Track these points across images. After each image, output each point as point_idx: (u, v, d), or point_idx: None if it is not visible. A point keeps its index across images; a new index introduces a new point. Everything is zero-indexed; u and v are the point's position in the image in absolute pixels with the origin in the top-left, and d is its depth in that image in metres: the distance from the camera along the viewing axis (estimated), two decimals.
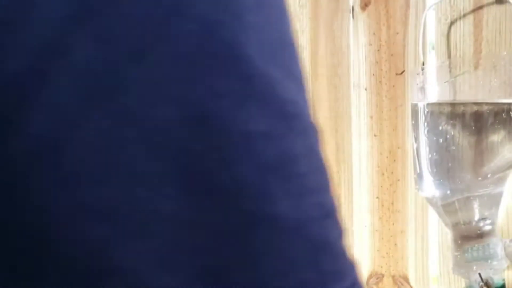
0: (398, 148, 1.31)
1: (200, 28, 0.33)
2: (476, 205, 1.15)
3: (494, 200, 1.16)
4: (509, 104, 1.14)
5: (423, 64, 1.26)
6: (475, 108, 1.15)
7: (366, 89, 1.30)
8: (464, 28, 1.25)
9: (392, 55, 1.30)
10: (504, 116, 1.14)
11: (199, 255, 0.34)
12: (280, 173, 0.35)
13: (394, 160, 1.31)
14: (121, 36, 0.32)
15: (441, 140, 1.15)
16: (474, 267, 1.15)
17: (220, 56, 0.34)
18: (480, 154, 1.14)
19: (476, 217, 1.15)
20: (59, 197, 0.31)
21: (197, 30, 0.33)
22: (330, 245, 0.38)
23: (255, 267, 0.35)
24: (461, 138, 1.15)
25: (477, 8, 1.24)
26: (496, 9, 1.23)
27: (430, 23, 1.30)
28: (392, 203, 1.32)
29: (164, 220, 0.33)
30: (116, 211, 0.32)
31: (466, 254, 1.16)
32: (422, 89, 1.19)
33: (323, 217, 0.38)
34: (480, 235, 1.16)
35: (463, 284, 1.18)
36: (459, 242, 1.16)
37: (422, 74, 1.20)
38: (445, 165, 1.16)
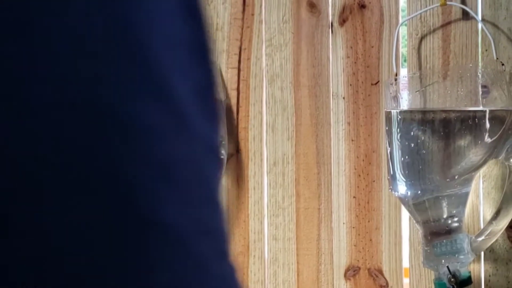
0: (373, 152, 1.31)
1: (88, 6, 0.29)
2: (444, 204, 1.17)
3: (461, 200, 1.18)
4: (474, 111, 1.16)
5: (396, 75, 1.26)
6: (444, 115, 1.17)
7: (344, 98, 1.31)
8: (433, 42, 1.26)
9: (367, 66, 1.31)
10: (470, 123, 1.16)
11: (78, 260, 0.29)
12: (169, 177, 0.31)
13: (370, 163, 1.31)
14: None
15: (412, 145, 1.17)
16: (443, 261, 1.17)
17: (111, 36, 0.30)
18: (448, 157, 1.16)
19: (445, 215, 1.17)
20: None
21: (84, 8, 0.29)
22: (206, 263, 0.33)
23: (139, 275, 0.30)
24: (431, 143, 1.17)
25: (445, 24, 1.26)
26: (462, 25, 1.25)
27: (402, 38, 1.32)
28: (368, 202, 1.32)
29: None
30: None
31: (435, 249, 1.17)
32: (395, 98, 1.19)
33: (203, 233, 0.33)
34: (448, 232, 1.17)
35: (433, 276, 1.20)
36: (429, 237, 1.18)
37: (395, 84, 1.21)
38: (416, 167, 1.17)
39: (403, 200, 1.20)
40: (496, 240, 1.22)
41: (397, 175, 1.18)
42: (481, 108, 1.17)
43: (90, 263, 0.29)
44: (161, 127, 0.30)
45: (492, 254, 1.26)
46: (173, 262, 0.31)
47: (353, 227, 1.32)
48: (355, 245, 1.32)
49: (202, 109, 0.33)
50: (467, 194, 1.18)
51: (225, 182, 1.37)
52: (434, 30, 1.26)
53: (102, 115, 0.29)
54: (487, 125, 1.15)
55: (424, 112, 1.20)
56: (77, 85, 0.28)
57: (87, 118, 0.28)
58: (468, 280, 1.17)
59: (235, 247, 1.38)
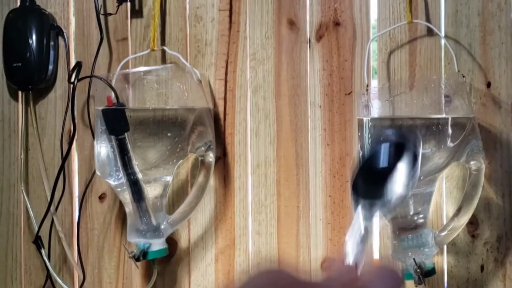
0: (347, 155, 1.31)
1: None
2: (411, 202, 1.18)
3: (426, 198, 1.18)
4: (438, 119, 1.16)
5: (367, 86, 1.27)
6: (410, 122, 1.18)
7: (320, 106, 1.32)
8: (401, 56, 1.27)
9: (342, 78, 1.31)
10: (434, 129, 1.16)
11: None
12: None
13: (344, 165, 1.31)
14: None
15: None
16: (409, 253, 1.17)
17: None
18: None
19: (411, 212, 1.18)
20: None
21: None
22: None
23: None
24: None
25: (412, 40, 1.26)
26: (427, 40, 1.26)
27: (373, 52, 1.31)
28: (342, 201, 1.32)
29: None
30: None
31: (402, 243, 1.18)
32: (367, 106, 1.20)
33: None
34: (414, 227, 1.18)
35: (400, 267, 1.19)
36: (397, 232, 1.19)
37: (367, 94, 1.21)
38: None
39: None
40: (458, 235, 1.23)
41: None
42: (444, 115, 1.17)
43: None
44: None
45: (454, 248, 1.26)
46: None
47: (329, 223, 1.33)
48: (330, 239, 1.33)
49: None
50: (431, 193, 1.19)
51: (213, 183, 1.38)
52: (401, 46, 1.27)
53: None
54: (450, 131, 1.16)
55: (392, 119, 1.21)
56: None
57: None
58: (432, 271, 1.18)
59: (223, 241, 1.39)
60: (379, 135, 1.19)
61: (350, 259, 0.64)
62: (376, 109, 1.21)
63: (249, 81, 1.37)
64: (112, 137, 1.24)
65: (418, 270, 1.16)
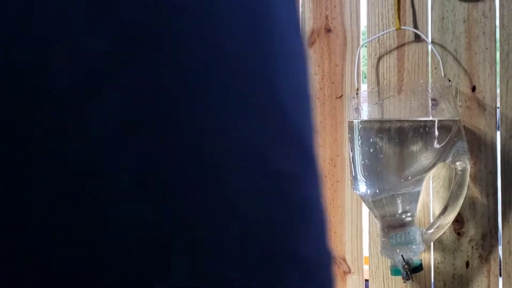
0: (338, 156, 1.32)
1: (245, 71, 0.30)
2: (399, 201, 1.19)
3: (413, 197, 1.19)
4: (425, 121, 1.18)
5: (357, 90, 1.28)
6: (399, 124, 1.19)
7: (312, 109, 1.30)
8: (390, 62, 1.28)
9: (333, 82, 1.32)
10: (421, 131, 1.17)
11: None
12: (302, 215, 0.31)
13: (335, 166, 1.32)
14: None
15: (371, 150, 1.18)
16: (398, 250, 1.18)
17: (260, 97, 0.30)
18: (402, 161, 1.17)
19: (399, 211, 1.19)
20: None
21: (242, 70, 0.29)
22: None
23: None
24: (387, 148, 1.18)
25: (400, 46, 1.27)
26: (415, 46, 1.27)
27: (363, 58, 1.32)
28: (333, 200, 1.33)
29: None
30: None
31: (391, 240, 1.19)
32: (357, 109, 1.21)
33: (329, 263, 0.34)
34: (402, 225, 1.19)
35: (389, 264, 1.21)
36: (385, 230, 1.20)
37: (357, 97, 1.22)
38: (375, 169, 1.18)
39: (363, 198, 1.21)
40: (444, 232, 1.24)
41: (358, 176, 1.19)
42: (431, 118, 1.18)
43: None
44: (302, 175, 0.32)
45: (440, 245, 1.27)
46: (306, 283, 0.31)
47: None
48: None
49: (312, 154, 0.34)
50: (418, 192, 1.20)
51: None
52: (390, 51, 1.28)
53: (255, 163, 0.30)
54: (436, 133, 1.17)
55: (381, 121, 1.21)
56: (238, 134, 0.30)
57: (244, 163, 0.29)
58: (420, 267, 1.19)
59: None
60: (368, 137, 1.18)
61: None
62: (365, 112, 1.22)
63: None
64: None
65: (406, 266, 1.18)
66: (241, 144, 0.29)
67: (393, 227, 1.20)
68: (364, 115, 1.21)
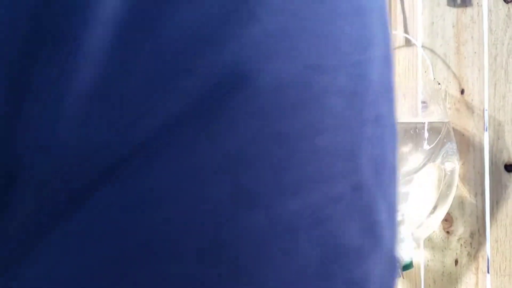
0: None
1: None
2: None
3: (404, 197, 1.18)
4: (415, 123, 1.17)
5: None
6: None
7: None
8: None
9: None
10: (411, 133, 1.17)
11: None
12: None
13: None
14: None
15: None
16: None
17: (340, 158, 0.28)
18: None
19: None
20: None
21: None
22: None
23: None
24: None
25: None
26: (405, 50, 1.28)
27: None
28: None
29: None
30: None
31: None
32: None
33: None
34: None
35: None
36: None
37: None
38: None
39: None
40: (433, 231, 1.25)
41: None
42: (421, 120, 1.18)
43: None
44: (363, 249, 0.29)
45: (430, 243, 1.27)
46: None
47: None
48: None
49: (391, 226, 0.32)
50: (408, 193, 1.19)
51: None
52: None
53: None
54: (426, 134, 1.17)
55: None
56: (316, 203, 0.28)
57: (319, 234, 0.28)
58: (410, 264, 1.19)
59: None
60: None
61: None
62: None
63: None
64: None
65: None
66: None
67: None
68: None
